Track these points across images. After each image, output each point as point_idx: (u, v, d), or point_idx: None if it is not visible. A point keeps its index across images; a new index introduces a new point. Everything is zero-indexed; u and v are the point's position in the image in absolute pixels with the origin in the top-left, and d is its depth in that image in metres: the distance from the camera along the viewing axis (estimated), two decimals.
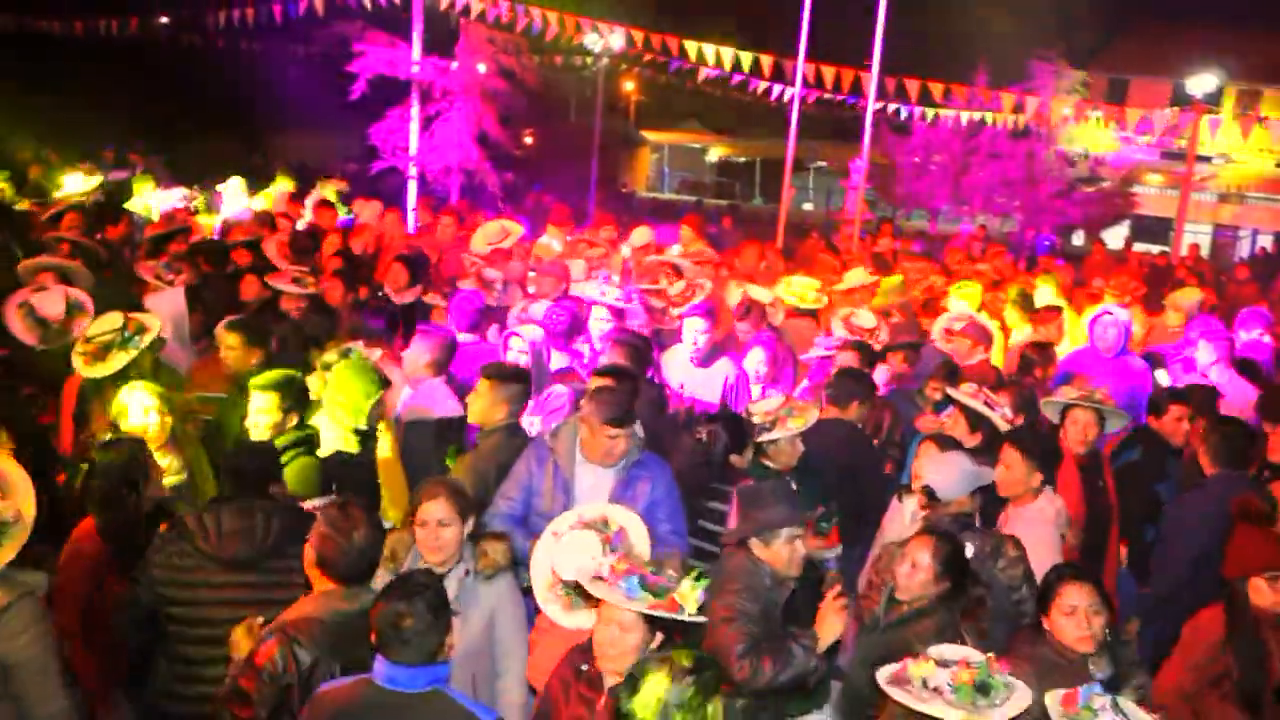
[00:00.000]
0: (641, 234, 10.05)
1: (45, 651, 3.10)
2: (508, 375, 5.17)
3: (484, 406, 5.06)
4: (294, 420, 4.88)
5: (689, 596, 3.26)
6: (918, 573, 3.96)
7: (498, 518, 4.49)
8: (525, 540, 4.30)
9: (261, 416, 4.83)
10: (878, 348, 6.93)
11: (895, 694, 3.11)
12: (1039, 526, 4.79)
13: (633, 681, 2.81)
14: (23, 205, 9.91)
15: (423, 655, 3.03)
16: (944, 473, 4.47)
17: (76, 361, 5.27)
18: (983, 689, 3.09)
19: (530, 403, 5.46)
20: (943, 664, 3.15)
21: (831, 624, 3.86)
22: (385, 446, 5.23)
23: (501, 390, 5.05)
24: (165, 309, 6.31)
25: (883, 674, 3.23)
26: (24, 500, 3.36)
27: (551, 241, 10.25)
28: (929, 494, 4.50)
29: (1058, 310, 8.34)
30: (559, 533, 3.84)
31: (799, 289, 8.28)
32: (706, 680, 2.80)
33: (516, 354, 6.18)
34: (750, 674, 3.68)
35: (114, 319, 5.35)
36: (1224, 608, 4.10)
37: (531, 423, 5.53)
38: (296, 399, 4.94)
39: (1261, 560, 4.03)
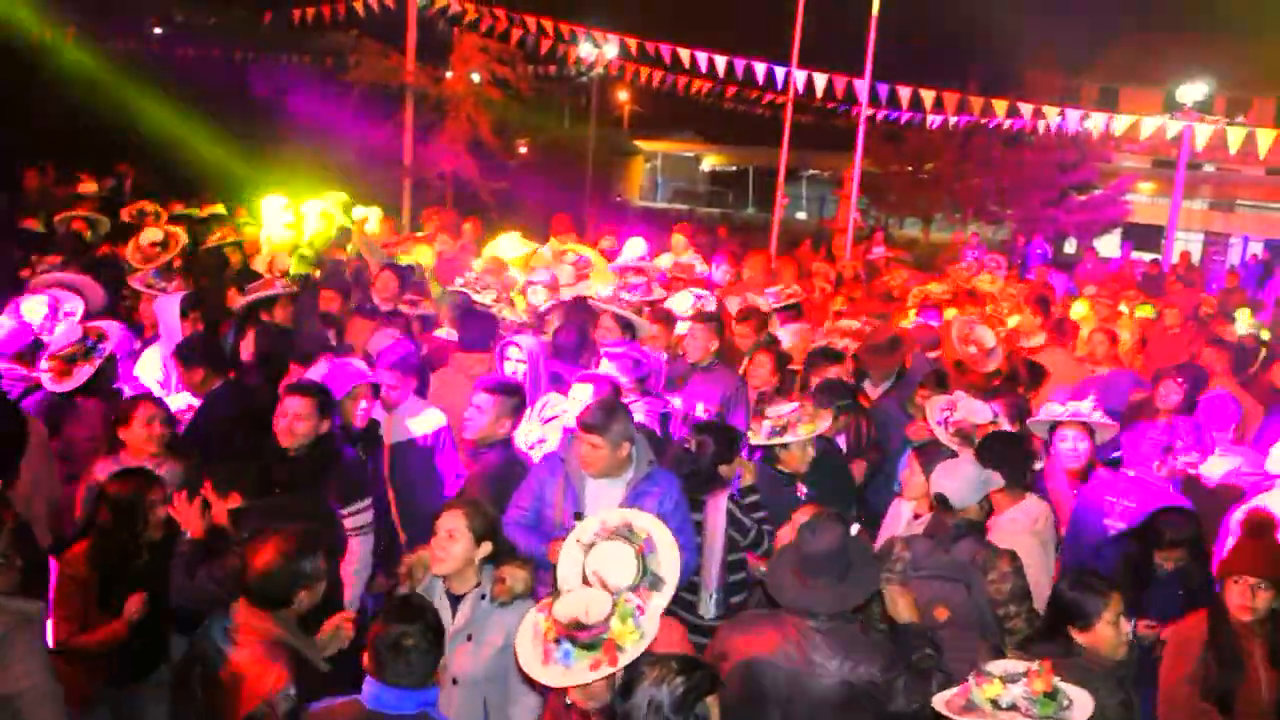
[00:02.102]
0: (636, 245, 10.06)
1: (45, 680, 3.04)
2: (509, 390, 5.13)
3: (488, 422, 5.00)
4: (326, 426, 4.81)
5: (625, 634, 3.11)
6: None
7: (509, 525, 4.46)
8: (540, 544, 4.36)
9: (299, 423, 4.69)
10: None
11: None
12: (1019, 537, 4.71)
13: (627, 686, 2.83)
14: (29, 224, 9.85)
15: (419, 678, 3.03)
16: (955, 479, 4.41)
17: (45, 379, 5.26)
18: (1052, 695, 3.04)
19: (527, 411, 5.45)
20: (1011, 680, 3.07)
21: (902, 603, 3.84)
22: None
23: (505, 404, 5.03)
24: (167, 318, 6.40)
25: (941, 702, 3.15)
26: None
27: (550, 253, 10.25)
28: (941, 501, 4.44)
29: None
30: (583, 540, 3.74)
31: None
32: (697, 680, 2.81)
33: (515, 363, 6.16)
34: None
35: (73, 330, 5.37)
36: (1209, 611, 4.15)
37: (530, 430, 5.53)
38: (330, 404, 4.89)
39: (1244, 566, 4.12)
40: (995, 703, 3.04)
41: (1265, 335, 8.81)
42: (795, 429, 5.06)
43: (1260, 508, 5.00)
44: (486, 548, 3.83)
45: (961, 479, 4.40)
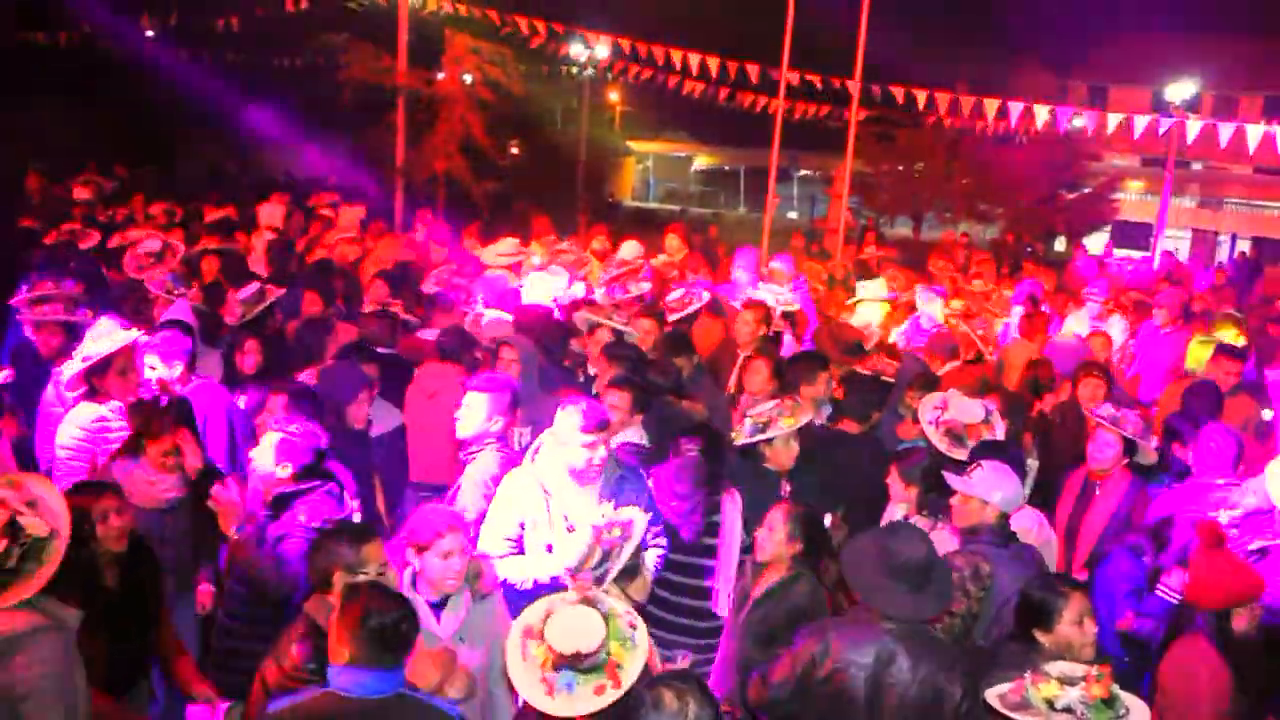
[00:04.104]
0: (630, 248, 10.11)
1: (55, 690, 2.95)
2: (500, 386, 5.09)
3: (479, 420, 4.95)
4: None
5: (623, 653, 3.06)
6: (774, 534, 4.19)
7: (499, 560, 4.29)
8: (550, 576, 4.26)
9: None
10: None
11: (1020, 719, 3.03)
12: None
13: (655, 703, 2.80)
14: (26, 223, 9.84)
15: (402, 659, 3.07)
16: (1007, 485, 4.38)
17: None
18: (1110, 703, 3.02)
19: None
20: (1068, 682, 3.05)
21: None
22: None
23: (496, 402, 4.98)
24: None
25: (994, 697, 3.13)
26: (60, 519, 3.23)
27: (533, 256, 10.26)
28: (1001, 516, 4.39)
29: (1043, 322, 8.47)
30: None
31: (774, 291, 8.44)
32: (710, 693, 2.84)
33: (508, 363, 6.18)
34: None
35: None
36: (1208, 641, 3.95)
37: (522, 433, 5.49)
38: None
39: (1235, 589, 3.97)
40: (1050, 703, 3.02)
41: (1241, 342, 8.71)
42: (777, 424, 5.04)
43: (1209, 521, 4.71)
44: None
45: (1012, 482, 4.37)
